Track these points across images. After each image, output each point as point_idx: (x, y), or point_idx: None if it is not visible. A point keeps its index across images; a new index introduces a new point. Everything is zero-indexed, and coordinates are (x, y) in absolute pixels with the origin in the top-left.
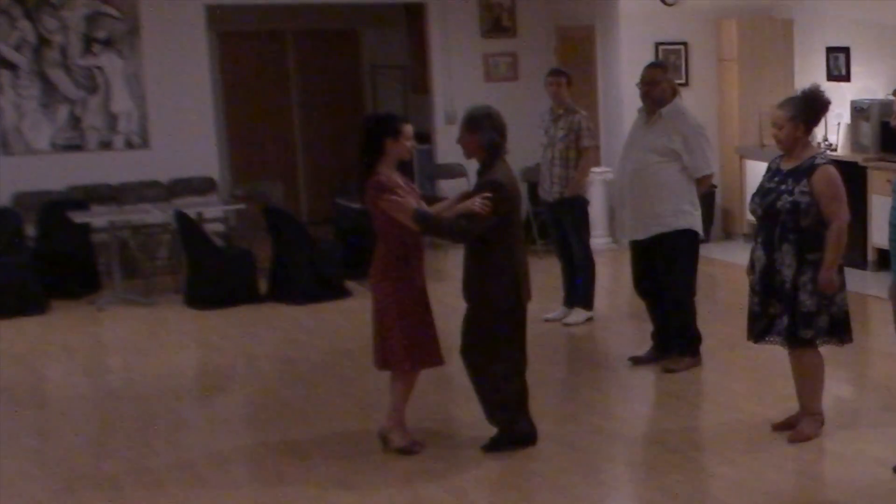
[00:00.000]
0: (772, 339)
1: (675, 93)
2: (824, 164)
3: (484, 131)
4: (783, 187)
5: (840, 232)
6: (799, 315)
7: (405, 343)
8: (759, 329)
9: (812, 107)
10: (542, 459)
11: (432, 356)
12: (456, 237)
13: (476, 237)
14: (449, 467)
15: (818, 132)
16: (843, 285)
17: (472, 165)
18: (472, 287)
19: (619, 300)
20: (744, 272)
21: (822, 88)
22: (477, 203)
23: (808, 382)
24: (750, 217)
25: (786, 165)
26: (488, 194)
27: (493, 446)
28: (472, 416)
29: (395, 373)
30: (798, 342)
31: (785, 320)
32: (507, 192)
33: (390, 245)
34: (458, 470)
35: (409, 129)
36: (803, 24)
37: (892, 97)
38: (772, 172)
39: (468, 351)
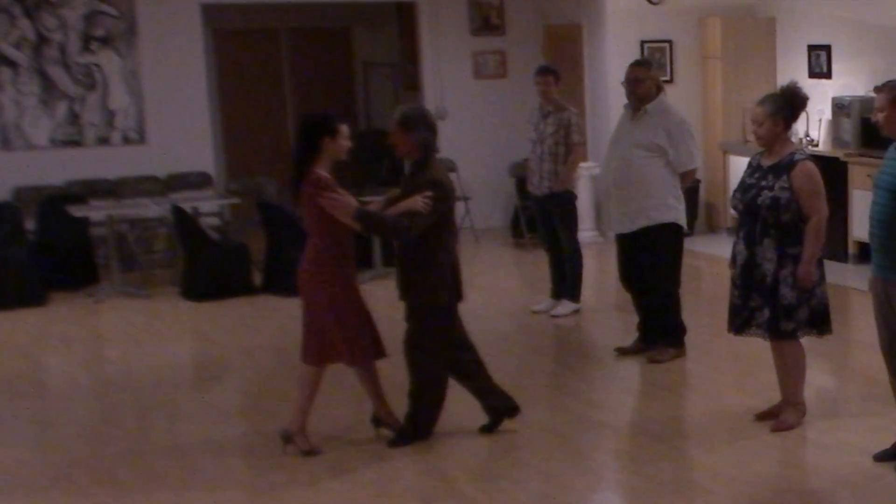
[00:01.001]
0: (753, 331)
1: (659, 90)
2: (803, 159)
3: (419, 130)
4: (764, 183)
5: (819, 226)
6: (780, 308)
7: (347, 338)
8: (739, 321)
9: (791, 103)
10: (530, 448)
11: (377, 349)
12: (398, 235)
13: (416, 235)
14: (438, 455)
15: (800, 128)
16: (822, 278)
17: (461, 159)
18: (413, 286)
19: (605, 292)
20: (726, 265)
21: (800, 85)
22: (419, 202)
23: (791, 373)
24: (733, 211)
25: (766, 161)
26: (429, 193)
27: (403, 438)
28: (463, 404)
29: (307, 364)
30: (779, 334)
31: (766, 313)
32: (445, 191)
33: (326, 243)
34: (447, 458)
35: (345, 128)
36: (785, 22)
37: (873, 93)
38: (752, 168)
39: (411, 349)
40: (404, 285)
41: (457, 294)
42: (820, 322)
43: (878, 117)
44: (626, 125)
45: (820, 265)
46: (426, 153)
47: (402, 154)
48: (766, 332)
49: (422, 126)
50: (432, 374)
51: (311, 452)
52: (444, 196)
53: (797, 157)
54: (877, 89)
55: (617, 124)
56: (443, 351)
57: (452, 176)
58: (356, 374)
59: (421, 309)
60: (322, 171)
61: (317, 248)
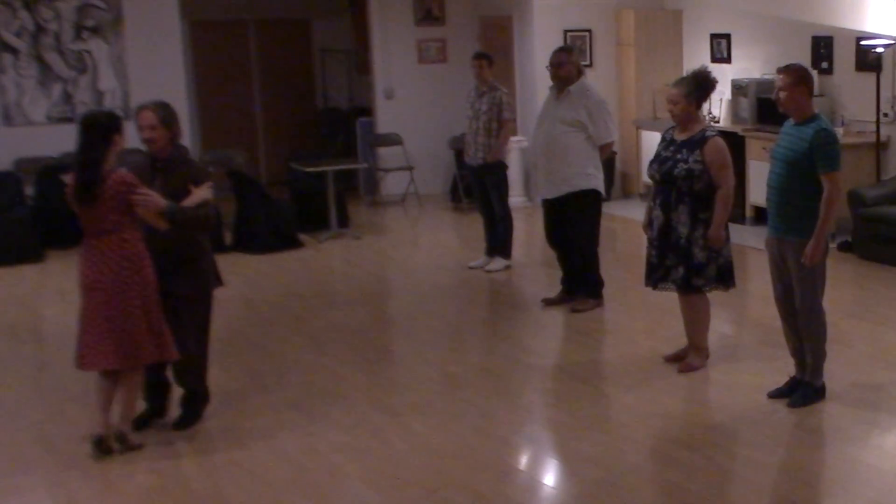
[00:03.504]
0: (667, 286)
1: (580, 73)
2: (714, 136)
3: (175, 126)
4: (679, 156)
5: (728, 195)
6: (692, 266)
7: (151, 335)
8: (656, 277)
9: (702, 85)
10: (469, 387)
11: (172, 346)
12: (206, 226)
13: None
14: (388, 394)
15: (704, 107)
16: (728, 238)
17: (406, 133)
18: (187, 274)
19: (533, 250)
20: (640, 227)
21: (711, 70)
22: (206, 191)
23: (698, 322)
24: (646, 179)
25: (679, 136)
26: (209, 182)
27: (188, 420)
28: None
29: (136, 368)
30: (691, 289)
31: (680, 271)
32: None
33: (128, 239)
34: (395, 394)
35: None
36: (691, 13)
37: (768, 76)
38: (667, 142)
39: (187, 340)
40: (172, 275)
41: (217, 280)
42: (726, 278)
43: (780, 96)
44: (551, 104)
45: (726, 228)
46: (177, 146)
47: (158, 148)
48: (679, 287)
49: (177, 122)
50: (200, 359)
51: (140, 446)
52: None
53: (708, 133)
54: (779, 70)
55: (543, 103)
56: (207, 335)
57: (398, 149)
58: (120, 377)
59: (195, 297)
60: (112, 166)
61: (115, 245)
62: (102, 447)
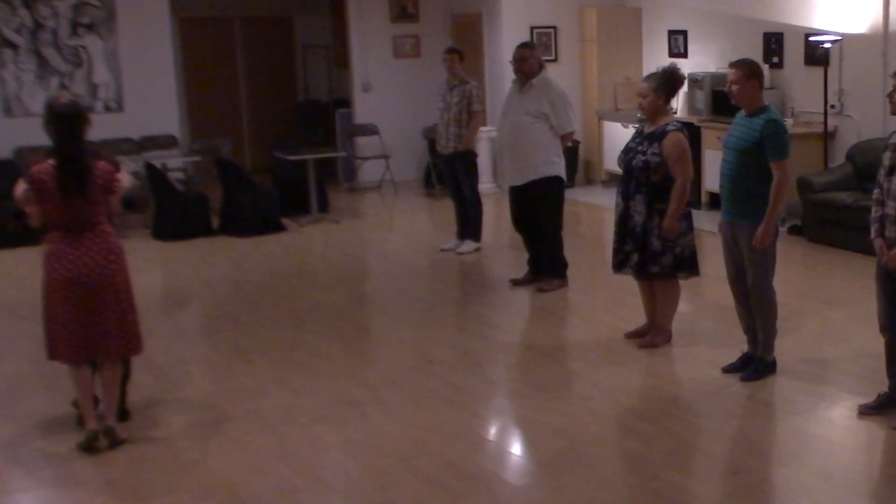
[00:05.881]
0: (626, 270)
1: (541, 67)
2: (674, 130)
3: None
4: (640, 148)
5: (683, 187)
6: (647, 253)
7: (122, 329)
8: (616, 262)
9: (671, 81)
10: (440, 362)
11: (140, 342)
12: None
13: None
14: (365, 368)
15: None
16: (690, 228)
17: (383, 124)
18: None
19: (501, 233)
20: (602, 212)
21: (679, 66)
22: (128, 178)
23: (667, 305)
24: (607, 167)
25: (648, 129)
26: (123, 169)
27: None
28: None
29: (116, 361)
30: (646, 275)
31: (636, 257)
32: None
33: (107, 231)
34: (372, 369)
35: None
36: (650, 11)
37: (723, 70)
38: (637, 134)
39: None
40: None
41: None
42: (686, 266)
43: (733, 89)
44: (515, 96)
45: (687, 218)
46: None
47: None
48: (635, 273)
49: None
50: None
51: (125, 440)
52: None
53: (669, 127)
54: (732, 65)
55: (507, 96)
56: None
57: (375, 139)
58: (103, 369)
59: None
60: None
61: (102, 233)
62: (93, 444)
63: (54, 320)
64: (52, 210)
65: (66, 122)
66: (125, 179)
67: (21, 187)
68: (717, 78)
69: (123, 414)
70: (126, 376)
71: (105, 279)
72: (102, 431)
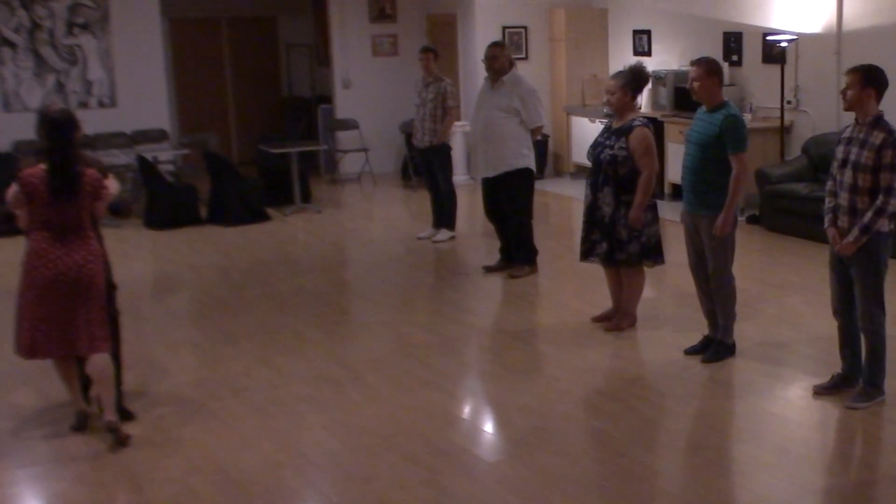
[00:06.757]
0: (593, 259)
1: (512, 64)
2: (640, 125)
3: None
4: (608, 143)
5: (648, 180)
6: (615, 242)
7: (89, 328)
8: (584, 250)
9: (638, 78)
10: (417, 345)
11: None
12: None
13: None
14: (346, 351)
15: None
16: (655, 219)
17: (362, 119)
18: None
19: (474, 223)
20: (570, 202)
21: (645, 65)
22: (115, 185)
23: (632, 291)
24: (575, 159)
25: (615, 125)
26: (109, 175)
27: None
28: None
29: (102, 355)
30: (613, 263)
31: (604, 246)
32: None
33: (92, 235)
34: (352, 351)
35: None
36: (616, 12)
37: (686, 68)
38: (606, 129)
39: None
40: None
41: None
42: (651, 255)
43: (694, 86)
44: (486, 93)
45: (653, 209)
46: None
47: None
48: (602, 261)
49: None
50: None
51: (129, 437)
52: None
53: (635, 123)
54: (693, 63)
55: (480, 92)
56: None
57: (355, 133)
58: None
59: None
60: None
61: (89, 237)
62: (81, 422)
63: (25, 317)
64: (40, 213)
65: (58, 128)
66: (112, 187)
67: (12, 190)
68: (679, 75)
69: (126, 414)
70: (118, 373)
71: (83, 279)
72: (105, 428)
